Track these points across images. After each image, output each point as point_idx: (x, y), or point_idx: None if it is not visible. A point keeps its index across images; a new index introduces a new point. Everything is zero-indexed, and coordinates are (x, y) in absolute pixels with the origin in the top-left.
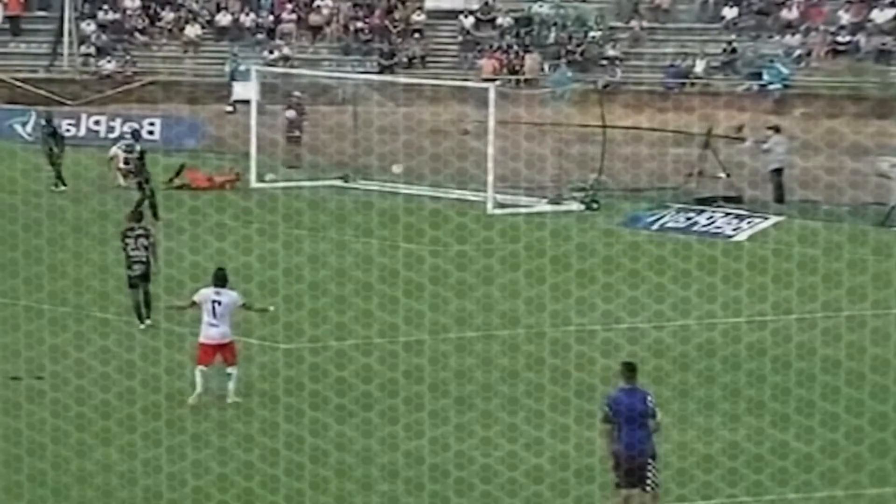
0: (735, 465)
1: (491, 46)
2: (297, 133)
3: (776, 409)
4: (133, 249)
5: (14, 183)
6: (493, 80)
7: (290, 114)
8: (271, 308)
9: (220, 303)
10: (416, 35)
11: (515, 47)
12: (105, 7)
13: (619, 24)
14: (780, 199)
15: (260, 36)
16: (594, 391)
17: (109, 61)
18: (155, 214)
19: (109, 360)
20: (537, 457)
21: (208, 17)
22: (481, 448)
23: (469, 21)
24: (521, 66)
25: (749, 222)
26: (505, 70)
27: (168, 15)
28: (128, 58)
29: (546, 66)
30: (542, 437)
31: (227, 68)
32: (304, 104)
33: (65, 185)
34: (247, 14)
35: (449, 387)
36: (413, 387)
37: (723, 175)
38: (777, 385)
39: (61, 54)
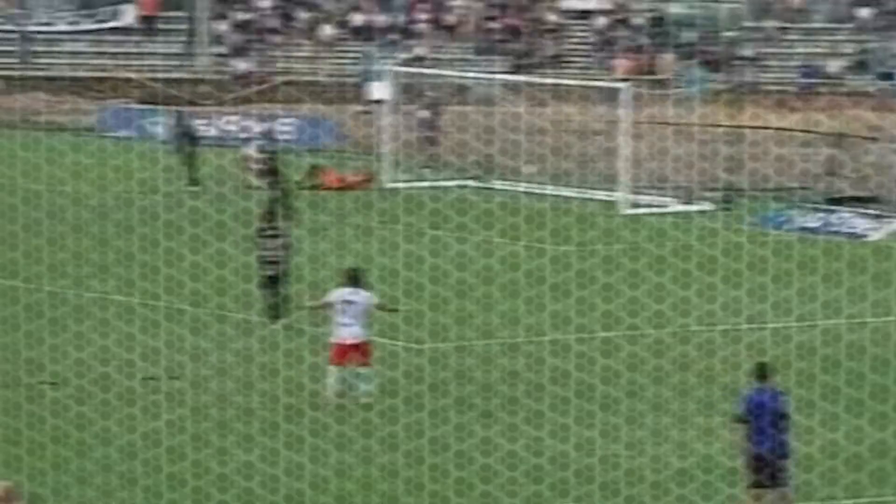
0: (883, 463)
1: (625, 46)
2: (431, 133)
3: None
4: (266, 250)
5: (149, 183)
6: (627, 79)
7: (424, 113)
8: (404, 308)
9: (353, 303)
10: (550, 35)
11: (649, 47)
12: (239, 7)
13: (752, 23)
14: None
15: (394, 36)
16: (736, 389)
17: (243, 61)
18: (288, 215)
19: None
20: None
21: (342, 18)
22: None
23: (603, 21)
24: (655, 65)
25: (882, 222)
26: (639, 70)
27: (302, 15)
28: (261, 58)
29: (680, 66)
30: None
31: (361, 68)
32: (438, 104)
33: (198, 185)
34: (381, 14)
35: (587, 389)
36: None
37: (855, 175)
38: None
39: (195, 54)
